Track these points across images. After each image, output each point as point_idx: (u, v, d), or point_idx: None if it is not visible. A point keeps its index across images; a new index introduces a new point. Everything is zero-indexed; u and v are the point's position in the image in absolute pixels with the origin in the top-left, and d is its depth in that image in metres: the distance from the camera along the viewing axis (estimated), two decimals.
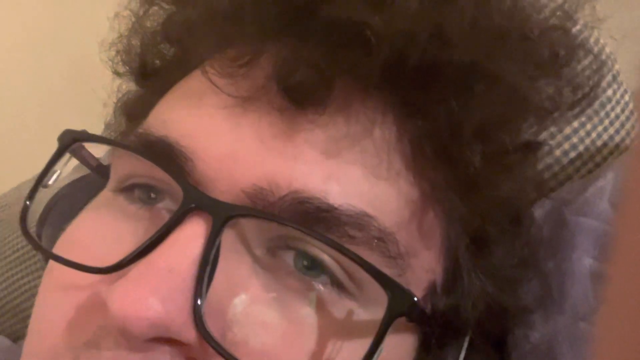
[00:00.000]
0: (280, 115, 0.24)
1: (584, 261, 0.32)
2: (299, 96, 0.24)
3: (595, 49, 0.39)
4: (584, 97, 0.29)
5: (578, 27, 0.39)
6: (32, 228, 0.32)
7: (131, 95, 0.32)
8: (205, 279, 0.22)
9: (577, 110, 0.30)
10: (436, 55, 0.24)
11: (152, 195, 0.25)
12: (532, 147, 0.29)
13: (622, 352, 0.10)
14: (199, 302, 0.21)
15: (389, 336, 0.23)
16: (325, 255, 0.23)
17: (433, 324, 0.26)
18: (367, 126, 0.25)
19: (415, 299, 0.23)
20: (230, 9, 0.25)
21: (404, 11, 0.23)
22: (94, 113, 0.33)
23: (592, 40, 0.39)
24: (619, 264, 0.10)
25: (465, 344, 0.28)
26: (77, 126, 0.28)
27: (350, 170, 0.24)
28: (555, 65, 0.28)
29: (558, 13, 0.30)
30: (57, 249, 0.26)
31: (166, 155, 0.24)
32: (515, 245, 0.29)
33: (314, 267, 0.24)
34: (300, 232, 0.22)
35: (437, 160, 0.25)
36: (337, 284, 0.24)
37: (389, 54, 0.23)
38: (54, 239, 0.27)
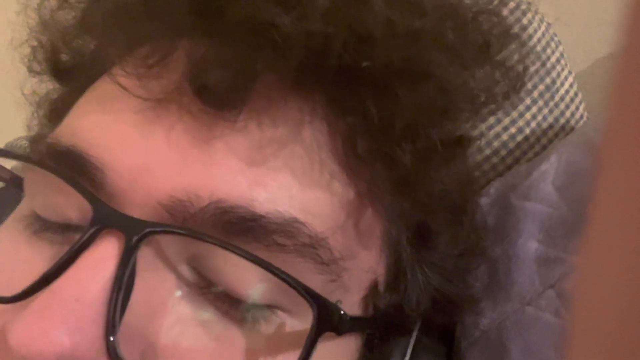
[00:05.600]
0: (195, 120, 0.22)
1: (529, 245, 0.32)
2: (214, 99, 0.22)
3: (538, 32, 0.39)
4: (517, 85, 0.28)
5: (522, 10, 0.38)
6: None
7: (51, 95, 0.30)
8: (119, 304, 0.20)
9: (514, 97, 0.29)
10: (354, 56, 0.23)
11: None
12: (462, 143, 0.27)
13: (597, 344, 0.10)
14: (112, 329, 0.20)
15: (325, 343, 0.22)
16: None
17: (374, 325, 0.25)
18: (294, 128, 0.23)
19: (342, 312, 0.22)
20: (140, 5, 0.23)
21: (313, 12, 0.22)
22: (20, 116, 0.31)
23: (535, 23, 0.39)
24: (590, 254, 0.10)
25: (412, 340, 0.27)
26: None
27: (279, 176, 0.23)
28: (486, 53, 0.27)
29: None
30: None
31: (75, 166, 0.22)
32: (458, 235, 0.29)
33: None
34: (220, 248, 0.21)
35: (370, 157, 0.24)
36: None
37: (303, 54, 0.22)
38: None
